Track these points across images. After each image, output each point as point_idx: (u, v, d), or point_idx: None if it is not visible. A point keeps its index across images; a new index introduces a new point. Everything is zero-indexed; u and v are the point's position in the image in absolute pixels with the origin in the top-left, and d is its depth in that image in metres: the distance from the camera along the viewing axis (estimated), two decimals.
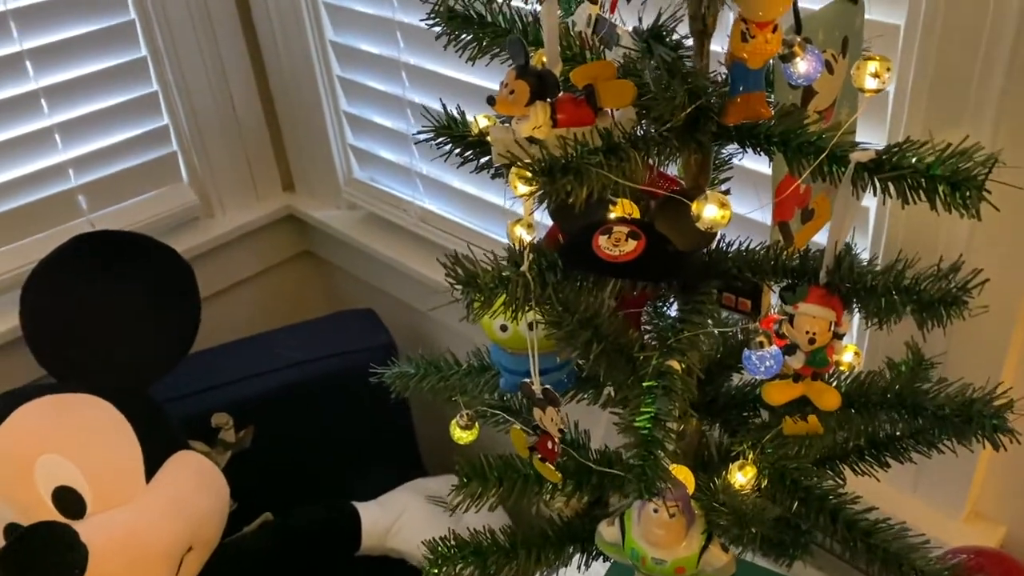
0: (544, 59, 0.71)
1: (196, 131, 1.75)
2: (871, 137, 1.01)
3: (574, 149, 0.59)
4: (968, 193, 0.58)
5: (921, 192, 0.61)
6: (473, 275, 0.65)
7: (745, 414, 0.86)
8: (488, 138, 0.72)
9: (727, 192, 0.85)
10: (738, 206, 1.08)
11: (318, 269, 2.03)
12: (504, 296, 0.66)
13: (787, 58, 0.67)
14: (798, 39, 0.67)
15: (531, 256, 0.68)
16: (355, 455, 1.73)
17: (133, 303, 1.38)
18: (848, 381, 0.78)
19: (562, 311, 0.66)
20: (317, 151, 1.80)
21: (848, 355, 0.80)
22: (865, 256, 1.06)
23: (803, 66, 0.68)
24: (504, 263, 0.67)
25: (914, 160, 0.61)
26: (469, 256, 0.67)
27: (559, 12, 0.72)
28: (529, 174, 0.58)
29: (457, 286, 0.65)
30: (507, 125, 0.70)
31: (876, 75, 0.61)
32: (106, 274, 1.38)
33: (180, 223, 1.79)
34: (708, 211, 0.61)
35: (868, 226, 1.07)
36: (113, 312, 1.36)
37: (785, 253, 0.74)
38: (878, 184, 0.62)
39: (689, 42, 0.69)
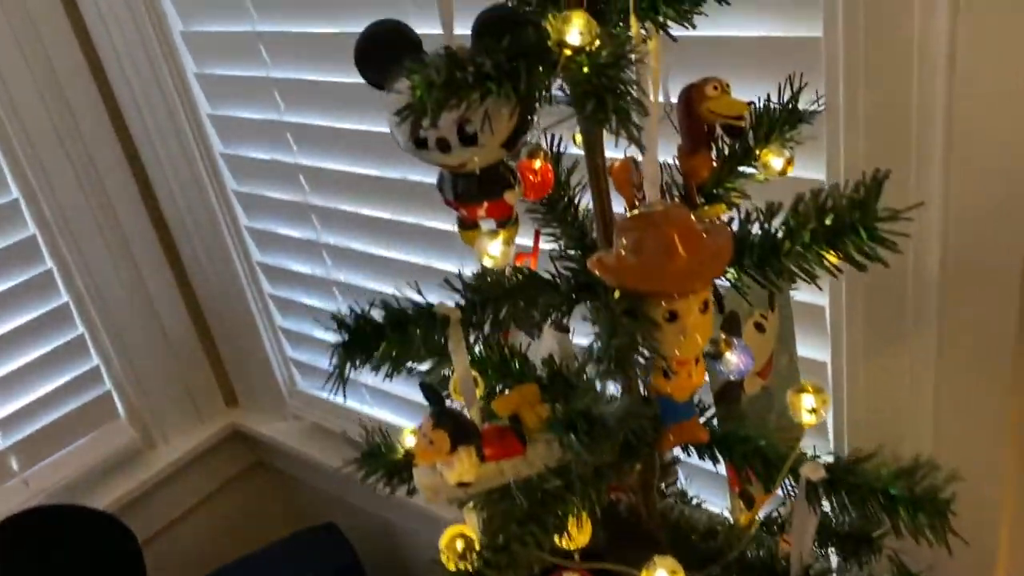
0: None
1: (128, 365, 1.68)
2: (814, 346, 0.98)
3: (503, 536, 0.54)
4: (935, 522, 0.54)
5: (882, 513, 0.56)
6: None
7: None
8: (415, 478, 0.67)
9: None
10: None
11: (272, 482, 1.94)
12: None
13: (715, 356, 0.64)
14: (723, 337, 0.64)
15: None
16: None
17: None
18: None
19: None
20: (257, 366, 1.74)
21: None
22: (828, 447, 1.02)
23: (734, 361, 0.65)
24: None
25: (869, 477, 0.57)
26: None
27: None
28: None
29: None
30: (433, 468, 0.65)
31: (813, 410, 0.58)
32: (41, 555, 1.29)
33: (121, 461, 1.71)
34: None
35: (828, 421, 1.03)
36: None
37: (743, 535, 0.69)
38: (834, 500, 0.58)
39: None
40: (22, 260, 1.53)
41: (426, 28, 0.56)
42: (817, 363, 0.97)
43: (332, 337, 0.58)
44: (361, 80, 0.56)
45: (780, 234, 0.54)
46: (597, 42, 0.50)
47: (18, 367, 1.55)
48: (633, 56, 0.48)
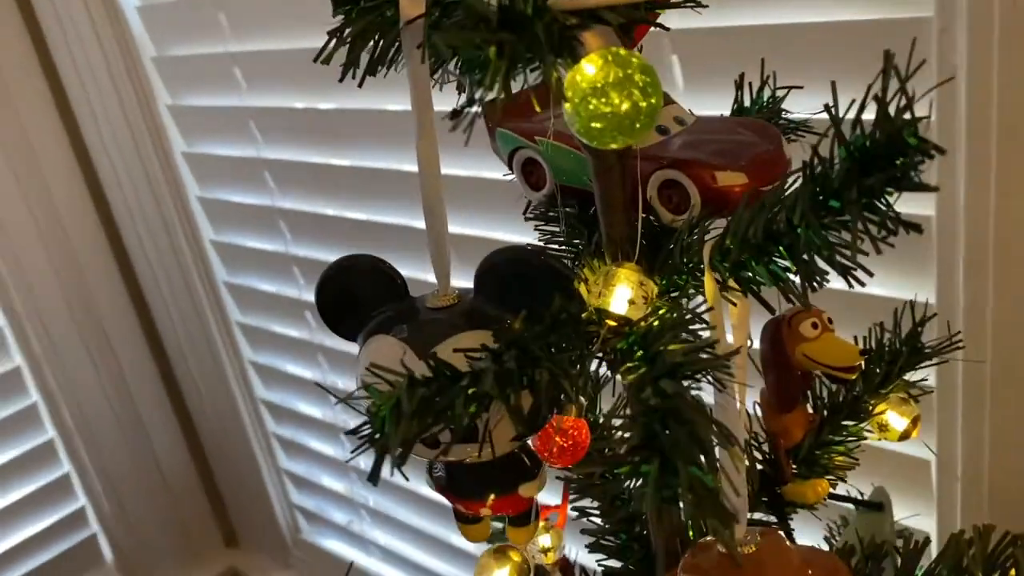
0: None
1: (118, 505, 1.52)
2: None
3: None
4: None
5: None
6: None
7: None
8: None
9: None
10: None
11: None
12: None
13: None
14: None
15: None
16: None
17: None
18: None
19: None
20: (259, 508, 1.56)
21: None
22: None
23: None
24: None
25: None
26: None
27: None
28: None
29: None
30: None
31: None
32: None
33: None
34: None
35: None
36: None
37: None
38: None
39: None
40: (4, 393, 1.38)
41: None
42: None
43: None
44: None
45: None
46: (654, 318, 0.33)
47: None
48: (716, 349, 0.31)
